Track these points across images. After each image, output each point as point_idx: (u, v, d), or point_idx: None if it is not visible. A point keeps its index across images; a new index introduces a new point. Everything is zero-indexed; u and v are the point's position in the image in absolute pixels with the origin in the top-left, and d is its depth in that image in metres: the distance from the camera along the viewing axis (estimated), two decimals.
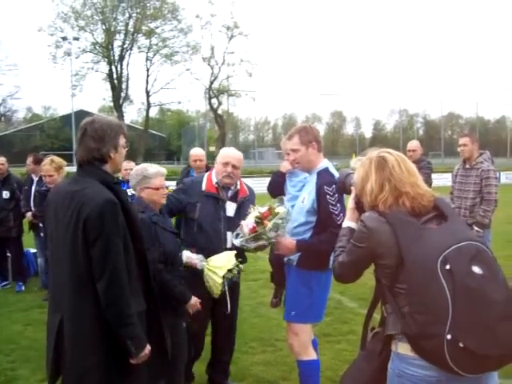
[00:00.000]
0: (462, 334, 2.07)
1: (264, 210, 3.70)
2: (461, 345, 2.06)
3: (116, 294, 2.61)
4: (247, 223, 3.69)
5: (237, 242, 3.76)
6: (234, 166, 4.24)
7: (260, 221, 3.65)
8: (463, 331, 2.07)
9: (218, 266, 3.89)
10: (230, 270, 3.89)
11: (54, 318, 2.75)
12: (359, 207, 2.60)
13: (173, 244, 3.75)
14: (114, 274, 2.62)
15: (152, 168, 3.80)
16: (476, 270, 2.12)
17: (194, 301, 3.74)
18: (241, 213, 4.25)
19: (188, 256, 3.94)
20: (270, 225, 3.62)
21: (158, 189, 3.73)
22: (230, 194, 4.32)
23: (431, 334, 2.12)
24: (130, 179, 3.82)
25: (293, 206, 3.96)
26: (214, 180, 4.27)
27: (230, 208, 4.28)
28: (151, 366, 2.86)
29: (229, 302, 4.03)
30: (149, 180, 3.71)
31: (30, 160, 8.14)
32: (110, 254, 2.62)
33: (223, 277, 3.85)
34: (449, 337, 2.07)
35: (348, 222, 2.68)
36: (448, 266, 2.11)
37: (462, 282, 2.09)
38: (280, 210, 3.70)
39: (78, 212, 2.62)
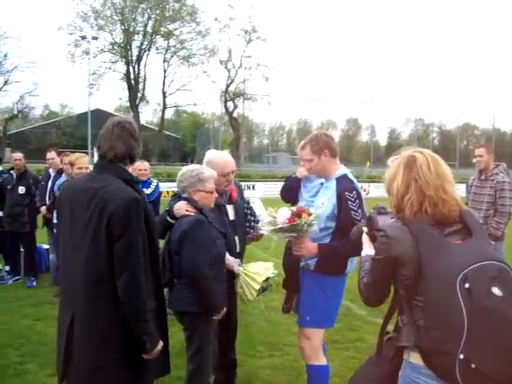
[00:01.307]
0: (475, 355, 2.03)
1: (295, 207, 3.72)
2: (473, 366, 2.03)
3: (135, 290, 2.66)
4: (281, 215, 3.66)
5: (265, 231, 3.76)
6: (232, 172, 4.19)
7: (296, 214, 3.63)
8: (476, 352, 2.04)
9: (256, 273, 3.90)
10: (267, 279, 3.92)
11: (65, 315, 2.77)
12: (373, 240, 2.60)
13: (222, 246, 3.79)
14: (135, 271, 2.66)
15: (206, 171, 3.79)
16: (496, 291, 2.07)
17: (224, 310, 3.78)
18: (239, 214, 4.27)
19: (227, 258, 3.92)
20: (310, 218, 3.61)
21: (211, 192, 3.77)
22: (224, 197, 4.26)
23: (444, 351, 2.09)
24: (181, 180, 3.77)
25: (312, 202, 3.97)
26: None
27: (231, 211, 4.27)
28: (156, 362, 2.89)
29: (263, 308, 4.03)
30: (203, 183, 3.72)
31: (53, 154, 8.16)
32: (132, 250, 2.66)
33: (261, 283, 3.87)
34: (461, 356, 2.04)
35: (367, 250, 2.64)
36: (467, 285, 2.07)
37: (479, 303, 2.05)
38: (312, 210, 3.70)
39: (101, 208, 2.65)
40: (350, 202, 3.68)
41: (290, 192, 4.74)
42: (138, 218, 2.71)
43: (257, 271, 3.92)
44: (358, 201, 3.70)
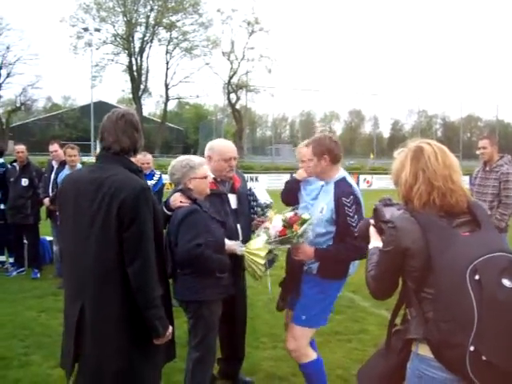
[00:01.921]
0: (486, 347, 2.02)
1: (290, 214, 3.70)
2: (483, 358, 2.02)
3: (147, 277, 2.69)
4: (274, 225, 3.68)
5: (260, 244, 3.74)
6: (234, 159, 4.22)
7: (288, 225, 3.65)
8: (487, 344, 2.03)
9: (258, 248, 3.87)
10: (270, 251, 3.89)
11: (74, 307, 2.77)
12: (380, 232, 2.59)
13: (220, 233, 3.81)
14: (147, 257, 2.69)
15: (195, 158, 3.86)
16: (506, 282, 2.06)
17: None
18: (242, 202, 4.27)
19: (227, 243, 3.91)
20: (300, 230, 3.61)
21: (205, 177, 3.80)
22: (227, 186, 4.28)
23: (454, 344, 2.08)
24: (173, 172, 3.81)
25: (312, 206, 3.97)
26: (211, 175, 4.15)
27: (233, 200, 4.26)
28: (163, 348, 2.92)
29: (269, 283, 4.02)
30: (195, 170, 3.76)
31: (56, 146, 8.15)
32: (144, 237, 2.69)
33: (265, 257, 3.84)
34: (472, 348, 2.02)
35: (374, 243, 2.64)
36: (477, 277, 2.06)
37: (490, 294, 2.04)
38: (306, 216, 3.69)
39: (110, 197, 2.66)
40: (346, 208, 3.65)
41: (291, 194, 4.71)
42: (148, 205, 2.73)
43: (258, 247, 3.89)
44: (354, 206, 3.66)
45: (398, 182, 2.44)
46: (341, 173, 3.91)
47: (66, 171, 7.42)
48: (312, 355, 3.98)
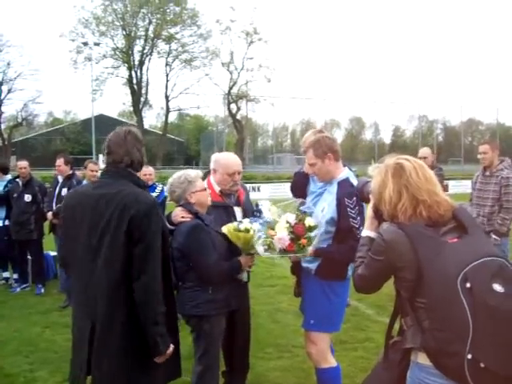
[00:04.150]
0: (483, 354, 2.02)
1: (293, 219, 3.59)
2: (482, 365, 2.02)
3: (153, 292, 2.69)
4: (280, 237, 3.54)
5: (264, 254, 3.65)
6: (239, 173, 4.22)
7: (295, 236, 3.55)
8: (484, 351, 2.03)
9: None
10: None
11: (84, 325, 2.78)
12: (378, 216, 2.55)
13: (224, 249, 3.81)
14: (154, 272, 2.70)
15: (191, 172, 3.88)
16: (497, 287, 2.06)
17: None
18: (247, 215, 4.25)
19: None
20: (307, 243, 3.55)
21: (204, 189, 3.84)
22: (232, 198, 4.29)
23: (451, 353, 2.08)
24: (173, 190, 3.82)
25: (316, 203, 3.94)
26: (217, 188, 4.18)
27: (238, 213, 4.26)
28: (168, 365, 2.92)
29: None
30: (194, 184, 3.78)
31: (61, 161, 8.10)
32: (152, 252, 2.70)
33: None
34: (469, 356, 2.02)
35: (367, 232, 2.62)
36: (468, 284, 2.06)
37: (482, 301, 2.04)
38: (310, 222, 3.60)
39: (120, 212, 2.67)
40: (349, 209, 3.64)
41: (300, 188, 4.63)
42: (158, 221, 2.77)
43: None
44: (357, 207, 3.64)
45: (380, 201, 2.44)
46: (344, 173, 3.89)
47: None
48: (332, 361, 3.97)
